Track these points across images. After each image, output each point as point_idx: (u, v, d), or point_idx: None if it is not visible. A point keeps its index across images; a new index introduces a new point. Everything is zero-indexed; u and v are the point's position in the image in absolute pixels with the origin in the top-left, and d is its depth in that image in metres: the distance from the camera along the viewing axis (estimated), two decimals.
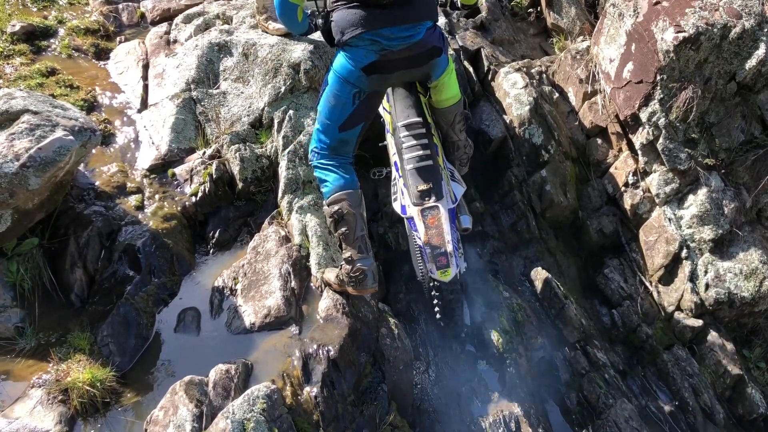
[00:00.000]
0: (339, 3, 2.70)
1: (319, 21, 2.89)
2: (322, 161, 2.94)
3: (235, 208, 3.58)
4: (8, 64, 4.01)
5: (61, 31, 4.44)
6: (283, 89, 3.76)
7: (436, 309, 3.09)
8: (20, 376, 2.69)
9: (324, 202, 2.95)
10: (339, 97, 2.81)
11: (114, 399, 2.67)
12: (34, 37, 4.32)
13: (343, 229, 2.87)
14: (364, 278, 2.86)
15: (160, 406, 2.50)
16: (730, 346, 3.61)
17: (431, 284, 3.10)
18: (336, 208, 2.86)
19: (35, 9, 4.70)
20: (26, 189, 2.83)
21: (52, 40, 4.38)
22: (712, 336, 3.63)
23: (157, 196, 3.47)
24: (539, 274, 3.75)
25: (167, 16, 4.51)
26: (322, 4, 2.90)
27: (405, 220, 3.08)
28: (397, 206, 3.11)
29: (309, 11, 3.36)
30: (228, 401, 2.51)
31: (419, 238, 2.91)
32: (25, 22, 4.31)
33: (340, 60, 2.77)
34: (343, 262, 2.90)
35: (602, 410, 3.25)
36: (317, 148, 2.95)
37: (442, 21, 4.43)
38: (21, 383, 2.66)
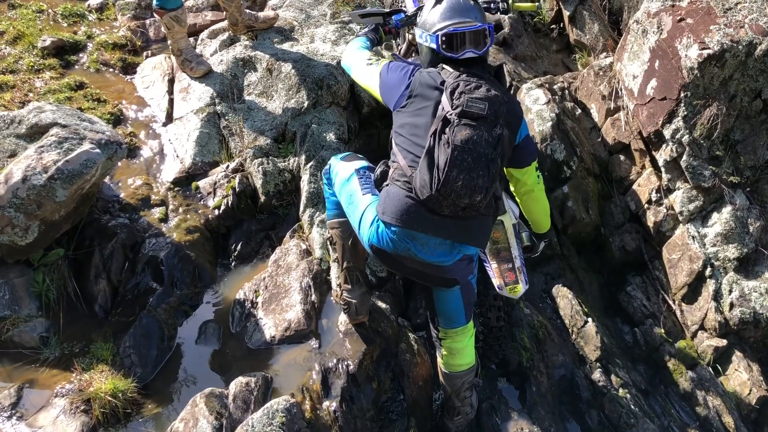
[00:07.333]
0: (399, 180, 2.41)
1: (378, 172, 2.58)
2: (328, 185, 2.87)
3: (257, 221, 3.61)
4: (38, 78, 4.10)
5: (90, 46, 4.53)
6: (306, 104, 3.80)
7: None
8: (44, 385, 2.74)
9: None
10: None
11: (135, 410, 2.69)
12: (64, 52, 4.41)
13: (335, 255, 2.92)
14: (347, 309, 2.90)
15: (180, 417, 2.52)
16: (755, 366, 3.54)
17: None
18: (330, 233, 2.89)
19: (65, 24, 4.80)
20: (53, 201, 2.88)
21: (81, 55, 4.47)
22: (737, 356, 3.56)
23: (180, 209, 3.51)
24: (561, 291, 3.72)
25: (193, 32, 4.56)
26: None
27: None
28: None
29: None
30: (247, 414, 2.53)
31: (484, 254, 2.81)
32: (56, 37, 4.41)
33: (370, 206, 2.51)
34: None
35: (624, 430, 3.21)
36: (327, 174, 2.87)
37: None
38: (45, 392, 2.71)
